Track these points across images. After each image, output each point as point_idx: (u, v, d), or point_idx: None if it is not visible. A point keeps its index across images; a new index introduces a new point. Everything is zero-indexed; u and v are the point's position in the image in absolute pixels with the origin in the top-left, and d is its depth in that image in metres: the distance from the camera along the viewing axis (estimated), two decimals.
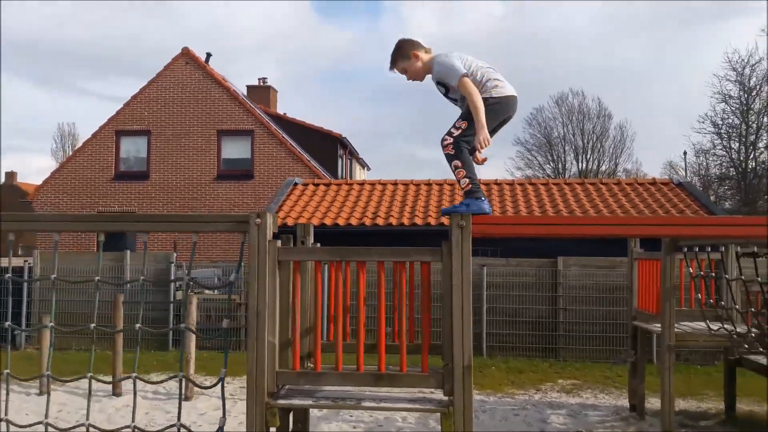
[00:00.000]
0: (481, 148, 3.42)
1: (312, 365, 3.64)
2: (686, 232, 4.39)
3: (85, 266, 11.18)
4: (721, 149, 29.13)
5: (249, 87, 26.36)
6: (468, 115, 3.40)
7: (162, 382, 3.52)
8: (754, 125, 28.09)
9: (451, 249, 3.32)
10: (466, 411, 3.18)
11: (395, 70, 3.67)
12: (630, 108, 50.68)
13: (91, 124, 68.92)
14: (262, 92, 26.52)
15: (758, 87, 27.63)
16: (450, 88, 3.57)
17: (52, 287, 3.31)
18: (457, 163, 3.42)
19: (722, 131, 28.69)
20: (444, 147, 3.46)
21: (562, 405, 7.73)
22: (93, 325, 3.12)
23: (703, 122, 29.17)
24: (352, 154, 27.17)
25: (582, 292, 10.62)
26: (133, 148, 19.61)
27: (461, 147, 3.41)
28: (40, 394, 7.98)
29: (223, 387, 3.33)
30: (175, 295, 10.71)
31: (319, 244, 4.47)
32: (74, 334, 10.49)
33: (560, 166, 39.69)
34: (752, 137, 28.13)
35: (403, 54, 3.58)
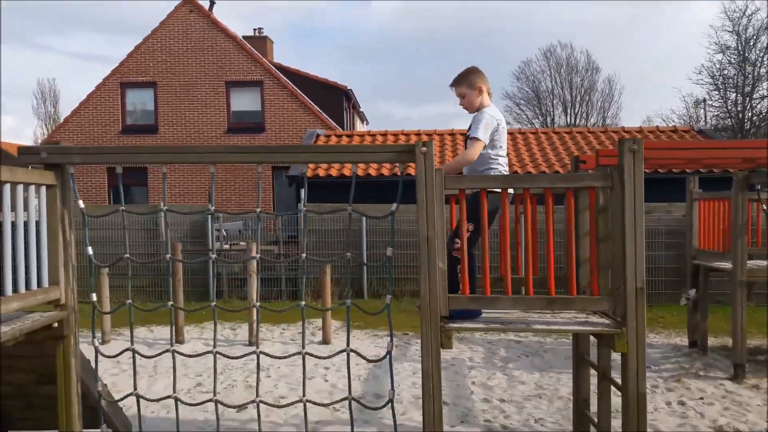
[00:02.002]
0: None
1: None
2: None
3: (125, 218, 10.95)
4: (718, 100, 29.43)
5: (245, 37, 25.58)
6: (474, 217, 3.39)
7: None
8: (751, 76, 28.34)
9: (623, 173, 3.34)
10: (639, 332, 3.24)
11: (455, 89, 3.76)
12: (617, 61, 50.60)
13: (62, 81, 65.42)
14: (258, 42, 25.74)
15: (755, 37, 27.78)
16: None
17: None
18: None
19: (719, 83, 28.94)
20: (454, 251, 3.44)
21: None
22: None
23: (699, 73, 29.39)
24: (354, 108, 26.83)
25: None
26: (139, 101, 19.07)
27: (473, 256, 3.43)
28: (103, 342, 7.96)
29: (389, 312, 3.42)
30: (215, 247, 10.62)
31: None
32: (124, 287, 10.39)
33: (549, 120, 39.71)
34: (748, 88, 28.41)
35: (471, 82, 3.69)
